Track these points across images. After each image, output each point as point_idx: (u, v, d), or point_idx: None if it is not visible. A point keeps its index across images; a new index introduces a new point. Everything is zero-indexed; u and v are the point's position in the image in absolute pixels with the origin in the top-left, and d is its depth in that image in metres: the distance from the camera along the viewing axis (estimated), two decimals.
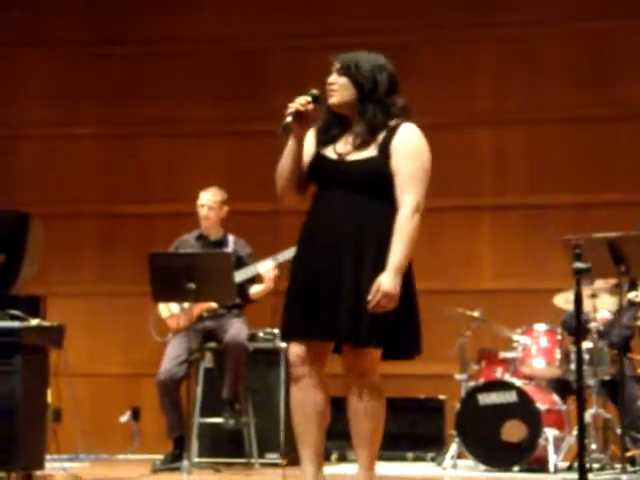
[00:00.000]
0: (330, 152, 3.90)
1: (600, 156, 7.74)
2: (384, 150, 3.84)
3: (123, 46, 8.31)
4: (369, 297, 3.71)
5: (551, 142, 7.83)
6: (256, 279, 6.53)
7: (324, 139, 3.92)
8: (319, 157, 3.91)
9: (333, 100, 3.89)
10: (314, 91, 3.91)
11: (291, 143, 3.89)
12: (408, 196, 3.80)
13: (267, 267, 6.36)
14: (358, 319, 3.75)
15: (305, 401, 3.84)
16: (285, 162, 3.91)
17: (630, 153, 7.71)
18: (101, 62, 8.34)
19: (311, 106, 3.87)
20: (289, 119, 3.83)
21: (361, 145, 3.86)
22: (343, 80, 3.90)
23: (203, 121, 8.17)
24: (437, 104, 7.84)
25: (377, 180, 3.84)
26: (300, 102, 3.85)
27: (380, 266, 3.74)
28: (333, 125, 3.92)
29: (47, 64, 8.41)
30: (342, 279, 3.78)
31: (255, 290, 6.53)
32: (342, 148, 3.89)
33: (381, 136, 3.85)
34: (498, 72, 7.93)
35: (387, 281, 3.70)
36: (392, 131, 3.86)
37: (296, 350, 3.85)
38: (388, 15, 7.99)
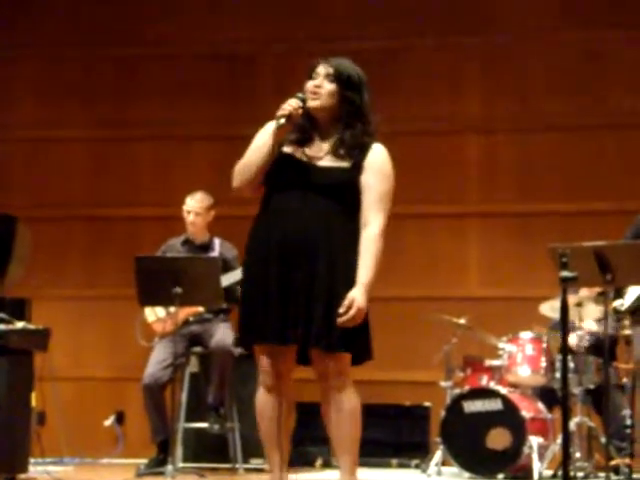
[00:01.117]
0: (299, 153, 3.90)
1: (588, 164, 7.75)
2: (357, 165, 3.87)
3: (113, 49, 8.29)
4: (340, 310, 3.75)
5: (539, 150, 7.85)
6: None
7: (293, 139, 3.91)
8: (286, 157, 3.89)
9: (315, 104, 3.89)
10: (302, 95, 3.91)
11: (268, 140, 3.86)
12: (377, 215, 3.85)
13: None
14: (330, 324, 3.77)
15: (276, 409, 3.88)
16: (255, 157, 3.88)
17: (618, 162, 7.73)
18: (91, 64, 8.33)
19: (301, 110, 3.87)
20: (282, 121, 3.83)
21: (336, 154, 3.87)
22: (331, 87, 3.91)
23: (192, 124, 8.16)
24: (425, 111, 7.86)
25: (346, 190, 3.86)
26: (292, 105, 3.85)
27: (349, 277, 3.79)
28: (305, 128, 3.92)
29: (36, 66, 8.39)
30: (315, 283, 3.80)
31: None
32: (313, 152, 3.90)
33: (356, 150, 3.88)
34: (486, 79, 7.94)
35: (360, 297, 3.77)
36: (365, 148, 3.90)
37: (266, 358, 3.87)
38: (376, 21, 7.99)
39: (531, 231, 7.68)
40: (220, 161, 8.14)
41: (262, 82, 8.11)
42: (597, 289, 6.07)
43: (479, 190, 7.92)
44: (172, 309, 6.18)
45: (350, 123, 3.89)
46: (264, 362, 3.89)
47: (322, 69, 3.93)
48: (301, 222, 3.83)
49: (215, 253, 6.54)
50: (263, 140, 3.89)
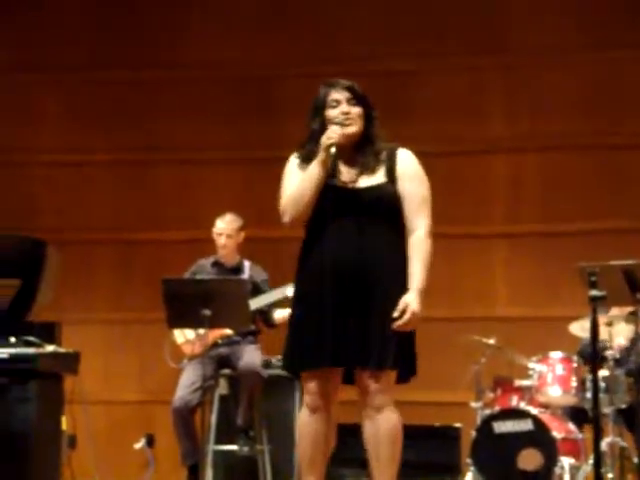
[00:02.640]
0: (334, 181, 3.92)
1: (614, 183, 7.74)
2: (390, 175, 3.92)
3: (137, 72, 8.36)
4: (395, 314, 3.78)
5: (564, 169, 7.83)
6: (278, 304, 6.51)
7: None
8: (327, 186, 3.91)
9: (353, 129, 3.93)
10: (339, 120, 3.93)
11: (317, 171, 3.89)
12: (421, 219, 3.90)
13: None
14: (382, 343, 3.79)
15: (316, 430, 3.89)
16: (307, 188, 3.90)
17: None
18: (115, 88, 8.39)
19: (343, 136, 3.91)
20: (333, 150, 3.87)
21: (369, 172, 3.91)
22: (358, 110, 3.96)
23: (216, 147, 8.20)
24: (448, 131, 7.86)
25: (389, 205, 3.90)
26: (337, 132, 3.88)
27: (401, 288, 3.82)
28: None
29: (61, 90, 8.46)
30: (370, 304, 3.83)
31: (281, 315, 6.49)
32: (346, 177, 3.93)
33: (383, 162, 3.92)
34: (510, 99, 7.95)
35: (414, 301, 3.80)
36: (392, 156, 3.95)
37: (314, 381, 3.89)
38: (398, 42, 8.01)
39: (558, 250, 7.66)
40: (244, 183, 8.19)
41: (285, 105, 8.14)
42: (628, 308, 6.04)
43: (506, 210, 7.91)
44: (201, 331, 6.18)
45: (369, 138, 3.96)
46: (312, 384, 3.91)
47: (338, 95, 3.97)
48: (351, 245, 3.86)
49: (245, 276, 6.55)
50: (312, 171, 3.90)
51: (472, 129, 7.95)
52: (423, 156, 8.17)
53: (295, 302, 4.00)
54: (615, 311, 6.26)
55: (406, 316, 3.78)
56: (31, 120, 8.48)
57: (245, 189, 8.13)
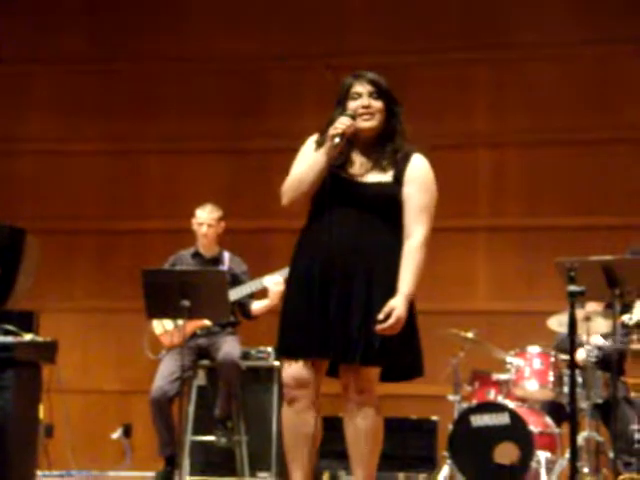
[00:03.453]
0: (342, 172, 3.91)
1: (597, 179, 7.75)
2: (399, 177, 3.90)
3: (125, 63, 8.33)
4: (379, 317, 3.76)
5: (548, 164, 7.85)
6: (255, 295, 6.51)
7: (338, 160, 3.91)
8: (331, 175, 3.89)
9: (370, 124, 3.92)
10: (351, 113, 3.91)
11: (321, 159, 3.88)
12: (419, 227, 3.88)
13: (275, 281, 6.30)
14: (368, 338, 3.78)
15: (298, 424, 3.87)
16: (309, 173, 3.88)
17: (627, 176, 7.73)
18: (102, 79, 8.37)
19: (352, 128, 3.89)
20: (337, 140, 3.85)
21: (380, 169, 3.90)
22: (379, 104, 3.94)
23: (202, 138, 8.19)
24: (435, 125, 7.86)
25: (391, 205, 3.88)
26: (345, 123, 3.86)
27: (389, 290, 3.81)
28: (346, 147, 3.92)
29: (49, 80, 8.44)
30: (353, 299, 3.82)
31: (258, 306, 6.50)
32: (356, 169, 3.92)
33: (396, 162, 3.90)
34: (496, 93, 7.95)
35: (400, 306, 3.77)
36: (405, 159, 3.92)
37: (291, 371, 3.87)
38: (387, 36, 8.01)
39: (539, 245, 7.68)
40: (228, 174, 8.19)
41: (273, 97, 8.13)
42: (605, 303, 6.07)
43: (488, 204, 7.92)
44: (180, 322, 6.18)
45: (392, 136, 3.93)
46: (292, 379, 3.88)
47: (361, 88, 3.95)
48: (345, 238, 3.85)
49: (224, 267, 6.54)
50: (316, 158, 3.89)
51: (457, 123, 7.95)
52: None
53: (288, 289, 3.98)
54: (592, 306, 6.28)
55: (391, 320, 3.76)
56: (16, 109, 8.45)
57: (231, 180, 8.12)
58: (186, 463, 6.53)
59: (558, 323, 6.36)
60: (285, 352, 3.93)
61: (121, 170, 8.31)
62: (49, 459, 6.24)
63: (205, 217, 6.61)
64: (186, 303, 5.75)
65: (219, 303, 5.95)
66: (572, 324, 4.51)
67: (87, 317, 8.09)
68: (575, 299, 4.54)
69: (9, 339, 5.32)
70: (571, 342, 4.59)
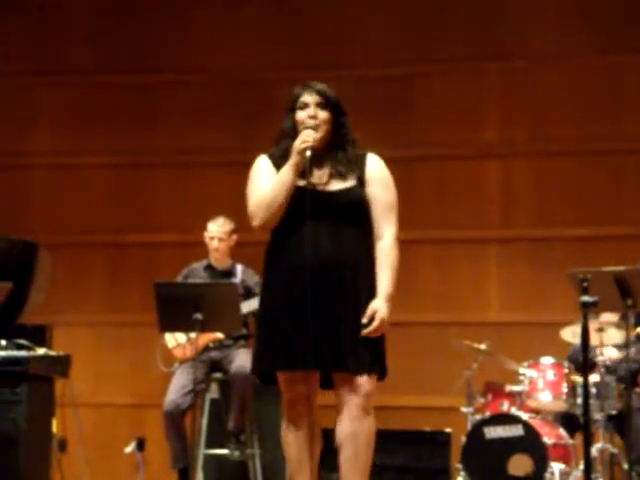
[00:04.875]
0: (302, 183, 3.88)
1: (607, 189, 7.74)
2: (360, 180, 3.92)
3: (132, 76, 8.35)
4: (364, 321, 3.80)
5: (558, 175, 7.84)
6: None
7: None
8: (296, 188, 3.88)
9: (318, 134, 3.92)
10: (313, 124, 3.94)
11: (290, 175, 3.88)
12: (388, 227, 3.92)
13: None
14: (358, 347, 3.81)
15: (300, 434, 3.91)
16: (279, 192, 3.89)
17: (637, 186, 7.72)
18: (110, 92, 8.38)
19: (316, 140, 3.92)
20: (309, 153, 3.87)
21: (339, 176, 3.91)
22: (326, 115, 3.96)
23: (213, 150, 8.20)
24: (445, 136, 7.86)
25: (359, 209, 3.91)
26: (312, 136, 3.89)
27: (370, 295, 3.85)
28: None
29: (57, 93, 8.45)
30: (341, 309, 3.84)
31: None
32: (316, 179, 3.91)
33: (354, 166, 3.93)
34: (506, 104, 7.95)
35: (382, 308, 3.82)
36: (361, 161, 3.96)
37: (292, 384, 3.89)
38: (395, 47, 8.01)
39: (551, 256, 7.66)
40: (240, 187, 8.17)
41: (280, 109, 8.12)
42: (620, 314, 6.05)
43: (499, 215, 7.91)
44: (192, 335, 6.17)
45: (342, 146, 3.95)
46: (289, 389, 3.91)
47: (309, 98, 3.98)
48: (321, 248, 3.85)
49: (237, 279, 6.54)
50: (283, 176, 3.89)
51: (467, 134, 7.94)
52: (417, 161, 8.17)
53: (262, 306, 4.00)
54: (606, 317, 6.27)
55: (375, 323, 3.80)
56: (25, 123, 8.47)
57: (239, 193, 8.10)
58: (199, 476, 6.52)
59: (572, 334, 6.35)
60: (270, 367, 3.93)
61: (132, 183, 8.32)
62: (62, 473, 6.22)
63: (216, 231, 6.62)
64: (198, 316, 5.75)
65: (231, 316, 5.95)
66: (585, 334, 4.50)
67: (100, 331, 8.10)
68: (588, 310, 4.53)
69: (23, 353, 5.34)
70: (584, 353, 4.58)
